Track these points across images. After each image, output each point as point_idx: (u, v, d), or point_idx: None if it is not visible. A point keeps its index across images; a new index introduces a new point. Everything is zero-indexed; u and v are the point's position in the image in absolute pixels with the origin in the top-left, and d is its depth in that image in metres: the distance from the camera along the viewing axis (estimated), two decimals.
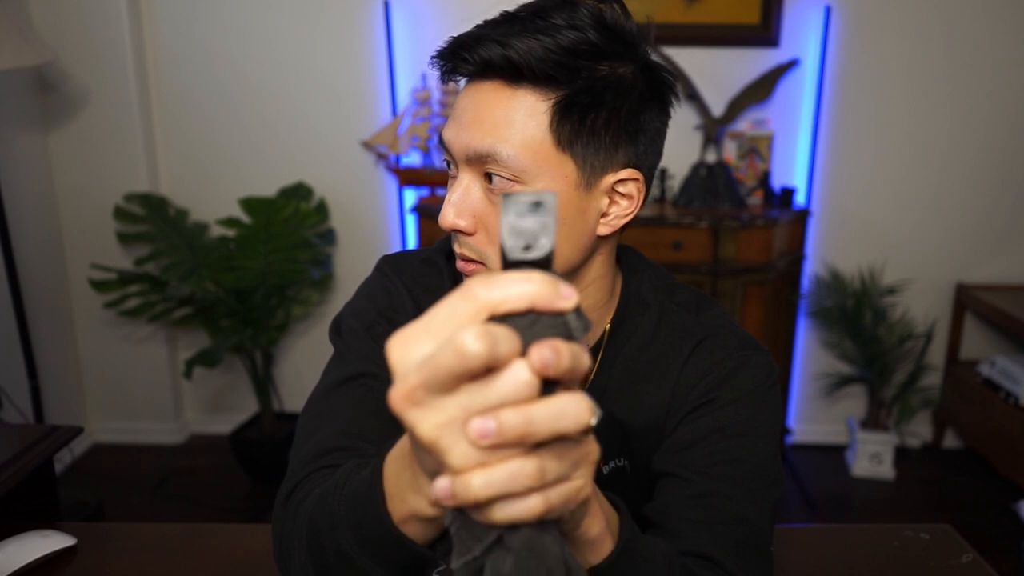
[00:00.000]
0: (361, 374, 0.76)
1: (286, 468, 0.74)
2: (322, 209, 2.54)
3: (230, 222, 2.30)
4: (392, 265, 0.85)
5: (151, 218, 2.45)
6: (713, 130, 2.45)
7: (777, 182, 2.52)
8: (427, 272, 0.83)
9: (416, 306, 0.80)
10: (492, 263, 0.70)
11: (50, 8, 2.39)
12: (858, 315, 2.47)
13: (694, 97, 2.45)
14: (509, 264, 0.38)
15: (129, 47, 2.42)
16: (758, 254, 2.27)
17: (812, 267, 2.60)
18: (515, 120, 0.66)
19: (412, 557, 0.53)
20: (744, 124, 2.49)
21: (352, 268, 2.64)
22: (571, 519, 0.48)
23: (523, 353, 0.35)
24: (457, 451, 0.35)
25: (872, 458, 2.53)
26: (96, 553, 0.87)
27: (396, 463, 0.51)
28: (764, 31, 2.43)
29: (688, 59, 2.44)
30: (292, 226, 2.33)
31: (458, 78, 0.71)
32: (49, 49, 2.09)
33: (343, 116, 2.50)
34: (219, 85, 2.52)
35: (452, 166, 0.71)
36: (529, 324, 0.36)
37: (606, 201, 0.73)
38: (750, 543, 0.69)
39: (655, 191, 2.52)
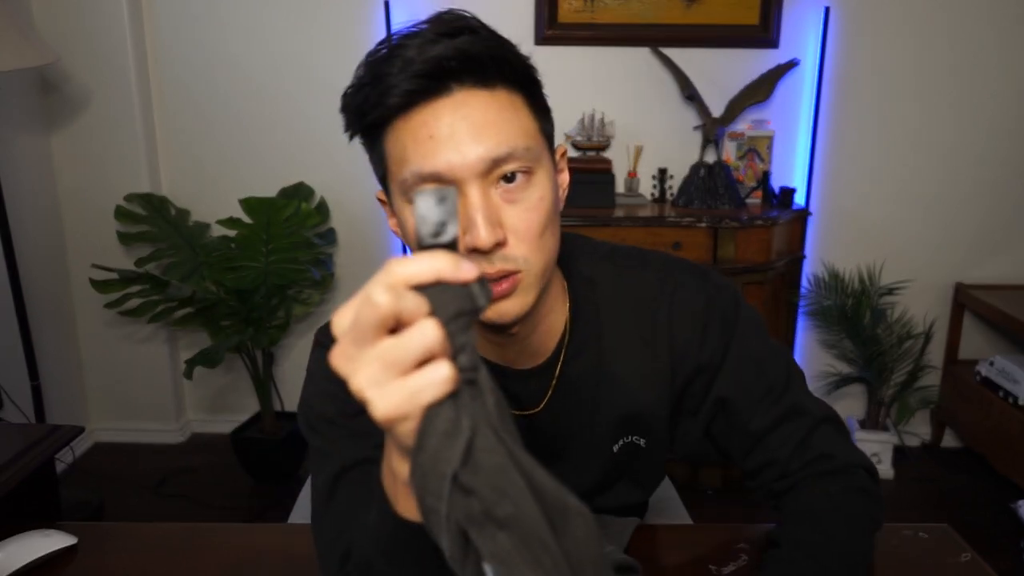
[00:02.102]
0: (350, 466, 0.74)
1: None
2: (322, 209, 2.55)
3: (231, 222, 2.31)
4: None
5: (152, 218, 2.45)
6: (712, 130, 2.45)
7: (776, 182, 2.52)
8: None
9: None
10: (532, 264, 0.68)
11: (51, 9, 2.39)
12: (857, 315, 2.47)
13: (693, 98, 2.45)
14: (422, 249, 0.44)
15: (130, 48, 2.42)
16: (757, 254, 2.28)
17: (811, 267, 2.60)
18: (508, 117, 0.66)
19: (429, 548, 0.54)
20: (743, 124, 2.49)
21: (352, 268, 2.64)
22: None
23: (433, 315, 0.41)
24: (377, 400, 0.41)
25: (871, 458, 2.52)
26: (97, 552, 0.88)
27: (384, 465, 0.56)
28: (763, 32, 2.43)
29: (688, 59, 2.44)
30: (293, 226, 2.34)
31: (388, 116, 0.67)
32: (50, 50, 2.09)
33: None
34: (220, 85, 2.52)
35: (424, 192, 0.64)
36: (438, 293, 0.43)
37: (559, 176, 0.75)
38: (821, 424, 0.82)
39: (655, 191, 2.52)
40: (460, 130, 0.64)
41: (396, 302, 0.40)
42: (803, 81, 2.49)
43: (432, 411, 0.43)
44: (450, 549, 0.45)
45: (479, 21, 0.67)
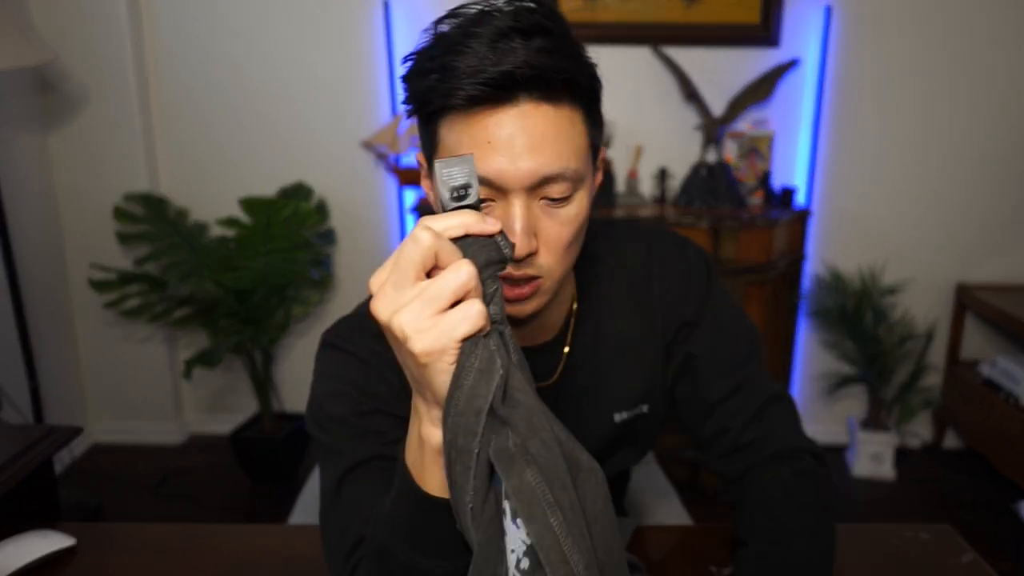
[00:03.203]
0: (359, 463, 0.74)
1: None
2: (322, 209, 2.54)
3: (230, 222, 2.30)
4: (344, 337, 0.80)
5: (151, 218, 2.45)
6: (713, 130, 2.45)
7: (777, 182, 2.52)
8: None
9: (397, 369, 0.74)
10: (554, 272, 0.70)
11: (50, 8, 2.39)
12: (858, 315, 2.47)
13: (694, 97, 2.45)
14: (448, 211, 0.51)
15: (129, 47, 2.42)
16: (758, 254, 2.27)
17: (812, 267, 2.60)
18: (567, 135, 0.66)
19: (453, 530, 0.56)
20: (744, 124, 2.48)
21: (352, 268, 2.64)
22: None
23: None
24: (416, 336, 0.48)
25: (872, 458, 2.53)
26: (96, 553, 0.87)
27: (408, 445, 0.60)
28: (764, 31, 2.43)
29: (688, 59, 2.44)
30: (292, 226, 2.33)
31: (446, 112, 0.66)
32: (49, 49, 2.09)
33: (343, 116, 2.50)
34: (219, 85, 2.52)
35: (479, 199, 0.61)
36: (468, 244, 0.50)
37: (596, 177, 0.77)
38: (775, 401, 0.87)
39: (655, 191, 2.52)
40: (518, 142, 0.64)
41: (436, 241, 0.47)
42: (804, 81, 2.49)
43: (467, 348, 0.48)
44: (473, 494, 0.49)
45: (552, 13, 0.65)
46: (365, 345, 0.78)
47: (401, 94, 0.70)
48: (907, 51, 2.46)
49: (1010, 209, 2.57)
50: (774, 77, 2.44)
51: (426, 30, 0.66)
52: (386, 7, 2.41)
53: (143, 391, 2.71)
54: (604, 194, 2.37)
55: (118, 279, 2.29)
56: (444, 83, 0.63)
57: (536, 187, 0.66)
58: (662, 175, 2.50)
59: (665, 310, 0.87)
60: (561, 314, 0.84)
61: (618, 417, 0.87)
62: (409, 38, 2.45)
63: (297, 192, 2.52)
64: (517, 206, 0.65)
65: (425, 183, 0.76)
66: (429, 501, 0.58)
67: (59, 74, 2.44)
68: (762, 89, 2.44)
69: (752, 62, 2.45)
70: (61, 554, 0.86)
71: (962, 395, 2.56)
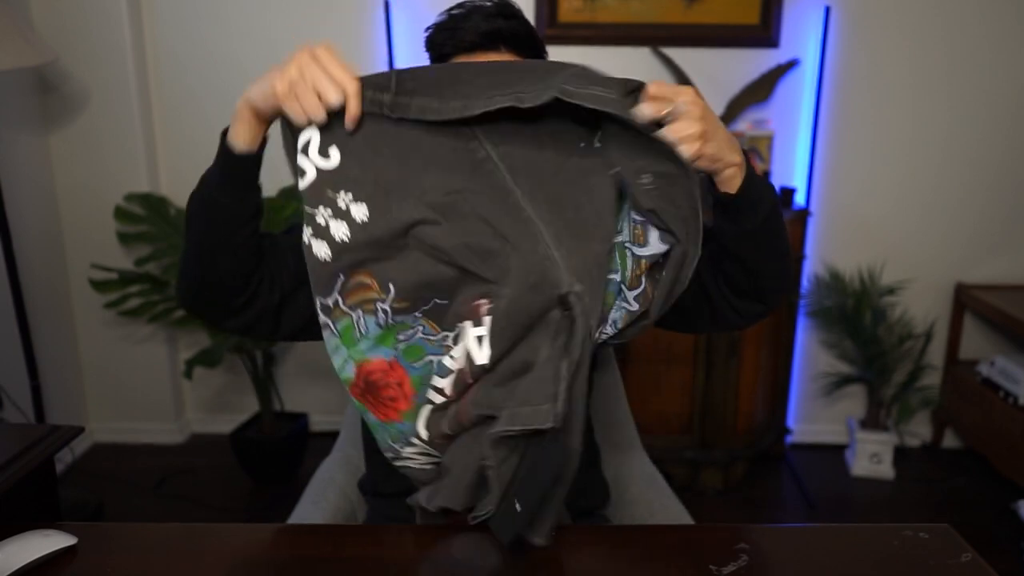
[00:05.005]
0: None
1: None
2: None
3: None
4: None
5: (151, 218, 2.45)
6: None
7: (777, 182, 2.52)
8: None
9: None
10: None
11: (51, 8, 2.39)
12: (858, 315, 2.47)
13: None
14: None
15: (129, 47, 2.42)
16: None
17: (812, 267, 2.60)
18: None
19: (241, 162, 0.94)
20: (744, 124, 2.49)
21: None
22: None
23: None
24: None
25: (871, 458, 2.53)
26: (97, 553, 0.88)
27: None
28: (764, 31, 2.43)
29: (688, 59, 2.44)
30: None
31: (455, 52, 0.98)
32: (50, 49, 2.09)
33: None
34: (220, 85, 2.52)
35: None
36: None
37: None
38: None
39: None
40: None
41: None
42: (803, 81, 2.49)
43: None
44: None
45: (518, 10, 1.01)
46: None
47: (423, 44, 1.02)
48: (906, 51, 2.46)
49: (1009, 209, 2.57)
50: (773, 77, 2.44)
51: (440, 14, 1.00)
52: (386, 7, 2.41)
53: (144, 391, 2.71)
54: None
55: (119, 279, 2.29)
56: (454, 34, 0.97)
57: None
58: None
59: None
60: None
61: None
62: (409, 38, 2.46)
63: (297, 192, 2.52)
64: None
65: None
66: (235, 156, 0.93)
67: (59, 74, 2.44)
68: (761, 89, 2.45)
69: (751, 62, 2.46)
70: (62, 553, 0.86)
71: (961, 395, 2.56)
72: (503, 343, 0.79)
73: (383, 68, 2.46)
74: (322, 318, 0.86)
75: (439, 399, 0.84)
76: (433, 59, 1.01)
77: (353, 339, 0.85)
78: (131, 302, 2.38)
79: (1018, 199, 2.56)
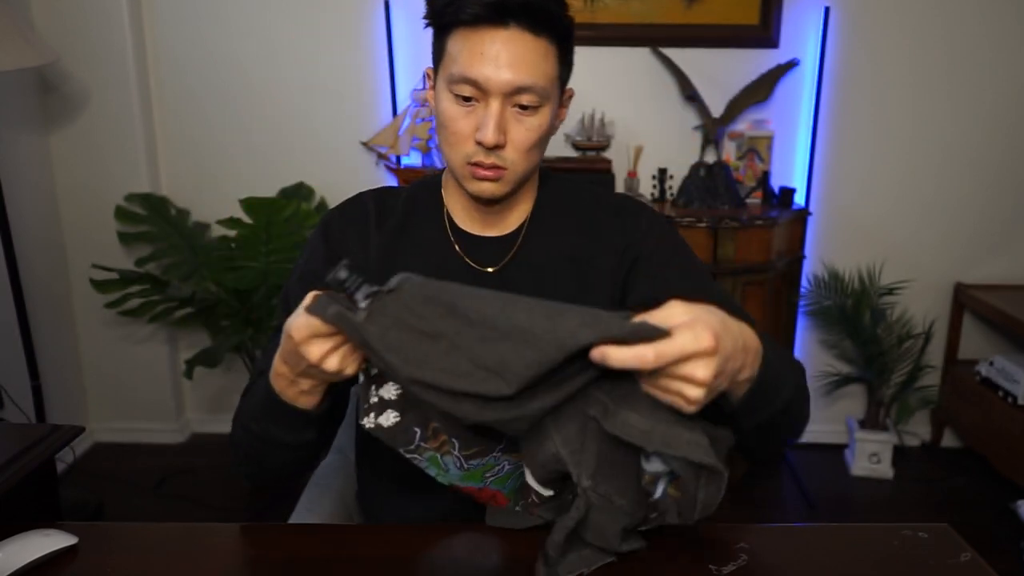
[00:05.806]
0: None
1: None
2: (322, 209, 2.54)
3: (231, 222, 2.30)
4: (323, 220, 1.04)
5: (152, 218, 2.45)
6: (712, 130, 2.45)
7: (776, 182, 2.52)
8: (353, 202, 1.04)
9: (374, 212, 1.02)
10: (516, 166, 0.90)
11: (51, 9, 2.39)
12: (857, 315, 2.47)
13: (693, 98, 2.45)
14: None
15: (130, 47, 2.43)
16: (757, 254, 2.28)
17: (811, 267, 2.60)
18: (541, 60, 0.86)
19: (298, 414, 0.85)
20: (743, 124, 2.49)
21: None
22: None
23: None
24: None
25: (871, 457, 2.53)
26: (97, 552, 0.88)
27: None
28: (763, 32, 2.43)
29: (688, 59, 2.44)
30: (293, 226, 2.33)
31: (455, 24, 0.86)
32: (50, 50, 2.09)
33: (343, 116, 2.50)
34: (220, 85, 2.52)
35: (464, 98, 0.87)
36: (323, 299, 0.72)
37: (561, 111, 0.96)
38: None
39: (654, 191, 2.52)
40: (503, 58, 0.84)
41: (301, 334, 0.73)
42: (803, 81, 2.49)
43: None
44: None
45: None
46: (345, 216, 1.02)
47: (424, 9, 0.91)
48: (906, 52, 2.46)
49: (1008, 209, 2.57)
50: (773, 78, 2.44)
51: None
52: (386, 7, 2.41)
53: (144, 391, 2.71)
54: None
55: (119, 279, 2.29)
56: (455, 2, 0.85)
57: (511, 94, 0.86)
58: (661, 175, 2.50)
59: (617, 243, 0.99)
60: (520, 219, 1.00)
61: None
62: (409, 38, 2.46)
63: (298, 192, 2.52)
64: (494, 106, 0.86)
65: (429, 94, 0.95)
66: (280, 401, 0.84)
67: (60, 74, 2.44)
68: (761, 90, 2.45)
69: (751, 63, 2.46)
70: (63, 553, 0.86)
71: (960, 394, 2.56)
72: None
73: (384, 68, 2.47)
74: (403, 455, 0.82)
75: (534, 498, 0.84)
76: (433, 29, 0.91)
77: (442, 469, 0.82)
78: (131, 302, 2.38)
79: (1018, 199, 2.57)
